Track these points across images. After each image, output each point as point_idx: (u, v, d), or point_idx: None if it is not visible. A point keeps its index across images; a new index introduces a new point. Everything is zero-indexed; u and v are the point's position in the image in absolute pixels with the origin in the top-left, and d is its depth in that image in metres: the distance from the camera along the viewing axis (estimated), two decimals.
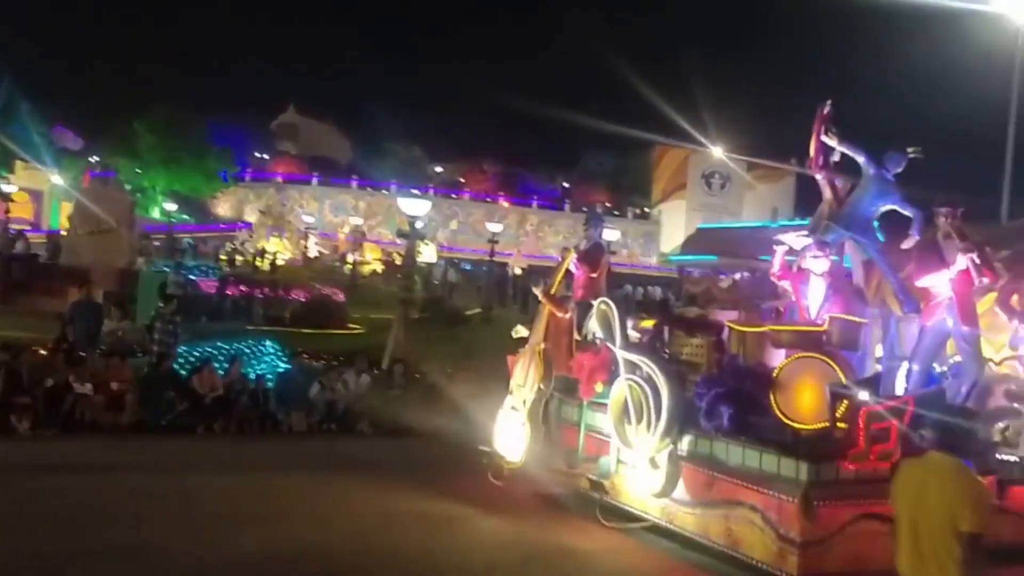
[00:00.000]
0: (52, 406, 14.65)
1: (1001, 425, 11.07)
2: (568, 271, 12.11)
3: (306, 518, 10.53)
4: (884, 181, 11.77)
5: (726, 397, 9.60)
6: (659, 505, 10.52)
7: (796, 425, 9.44)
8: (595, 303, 11.40)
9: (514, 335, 12.07)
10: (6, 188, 54.14)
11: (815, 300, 10.54)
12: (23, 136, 63.54)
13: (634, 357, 10.43)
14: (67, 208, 48.27)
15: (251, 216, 79.92)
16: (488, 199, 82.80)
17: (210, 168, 72.50)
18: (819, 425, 9.28)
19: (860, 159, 11.86)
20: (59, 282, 27.50)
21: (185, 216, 74.81)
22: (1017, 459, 10.69)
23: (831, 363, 9.46)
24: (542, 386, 11.55)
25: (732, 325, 10.73)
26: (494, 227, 65.27)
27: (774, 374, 9.57)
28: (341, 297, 33.95)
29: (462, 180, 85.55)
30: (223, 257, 57.73)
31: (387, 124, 79.83)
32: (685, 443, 10.23)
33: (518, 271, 59.12)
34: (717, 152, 68.62)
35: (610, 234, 39.75)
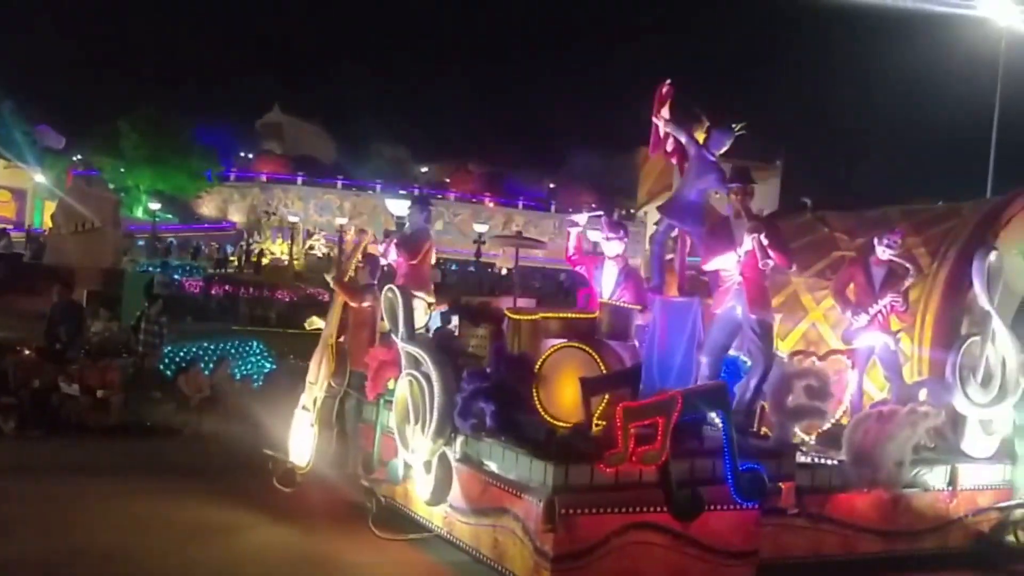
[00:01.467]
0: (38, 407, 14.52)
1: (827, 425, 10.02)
2: (371, 256, 10.91)
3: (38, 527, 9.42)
4: (705, 162, 10.73)
5: (487, 393, 8.49)
6: (440, 514, 9.43)
7: (557, 423, 8.35)
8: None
9: (308, 327, 10.94)
10: None
11: (608, 285, 9.50)
12: (5, 135, 62.90)
13: (413, 350, 9.33)
14: (50, 207, 47.48)
15: (236, 215, 79.14)
16: (474, 199, 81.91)
17: (194, 167, 71.80)
18: (574, 423, 8.17)
19: (682, 139, 10.82)
20: (43, 282, 26.74)
21: (169, 215, 74.08)
22: (832, 462, 9.59)
23: (592, 353, 8.37)
24: (333, 383, 10.43)
25: (508, 312, 9.61)
26: (480, 227, 64.22)
27: (536, 366, 8.46)
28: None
29: (447, 180, 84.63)
30: (232, 259, 57.23)
31: (372, 124, 78.98)
32: (458, 445, 9.11)
33: (504, 271, 58.16)
34: None
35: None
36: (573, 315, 9.03)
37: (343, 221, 74.47)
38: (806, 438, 10.13)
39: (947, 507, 10.39)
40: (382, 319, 10.34)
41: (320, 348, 10.51)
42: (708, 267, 9.51)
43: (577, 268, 9.89)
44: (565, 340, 8.63)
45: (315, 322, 10.65)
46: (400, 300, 9.42)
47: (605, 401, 8.12)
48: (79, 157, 71.00)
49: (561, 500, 7.81)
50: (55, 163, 68.68)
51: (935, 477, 10.28)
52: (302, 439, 10.49)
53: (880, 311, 10.39)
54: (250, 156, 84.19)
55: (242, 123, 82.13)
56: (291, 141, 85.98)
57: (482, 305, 10.17)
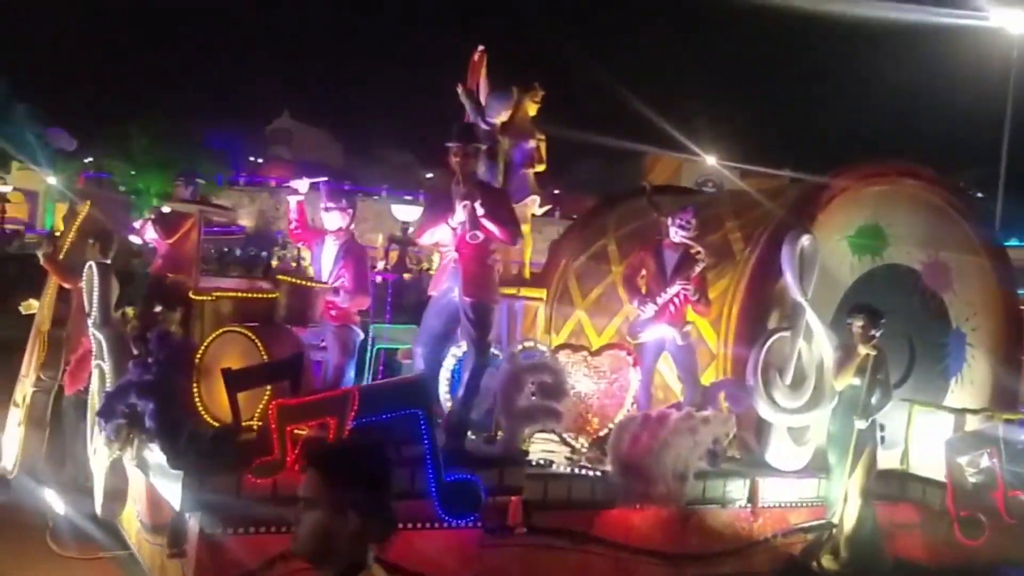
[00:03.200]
0: None
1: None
2: (103, 231, 9.25)
3: None
4: (487, 134, 9.22)
5: (147, 388, 6.92)
6: (134, 529, 7.88)
7: (216, 423, 6.78)
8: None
9: (23, 310, 9.36)
10: (2, 189, 52.74)
11: (327, 262, 7.93)
12: (18, 137, 62.17)
13: (98, 335, 7.79)
14: (61, 209, 46.62)
15: (245, 220, 78.16)
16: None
17: (205, 172, 70.77)
18: (222, 424, 6.60)
19: (467, 108, 9.31)
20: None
21: None
22: (595, 473, 7.95)
23: (255, 339, 6.80)
24: (43, 376, 8.87)
25: (192, 294, 8.00)
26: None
27: (197, 355, 6.90)
28: None
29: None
30: (274, 263, 56.23)
31: (379, 130, 77.69)
32: (135, 449, 7.52)
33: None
34: (710, 160, 65.07)
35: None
36: (251, 294, 7.44)
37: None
38: (576, 444, 8.46)
39: (749, 527, 8.73)
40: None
41: (32, 336, 8.95)
42: (421, 240, 7.94)
43: (299, 244, 8.30)
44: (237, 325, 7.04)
45: (32, 305, 9.05)
46: (97, 278, 7.85)
47: (265, 400, 6.52)
48: (91, 160, 70.23)
49: (202, 519, 6.23)
50: (67, 166, 67.83)
51: (732, 492, 8.55)
52: (9, 440, 8.93)
53: (672, 301, 8.70)
54: (259, 161, 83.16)
55: (251, 128, 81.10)
56: (300, 146, 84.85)
57: (175, 285, 8.54)
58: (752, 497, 8.71)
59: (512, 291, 9.50)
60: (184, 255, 9.65)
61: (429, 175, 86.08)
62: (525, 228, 9.99)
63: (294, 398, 6.42)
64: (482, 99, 9.92)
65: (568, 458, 8.38)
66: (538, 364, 7.62)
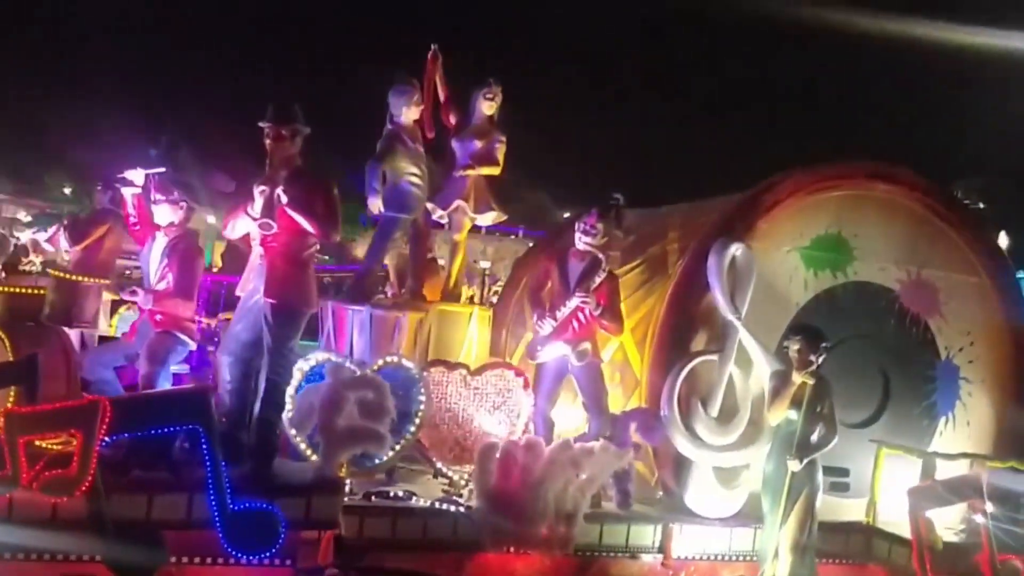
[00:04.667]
0: None
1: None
2: None
3: None
4: (392, 132, 8.19)
5: None
6: None
7: None
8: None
9: None
10: None
11: (154, 261, 6.93)
12: (181, 178, 64.79)
13: None
14: (220, 247, 48.14)
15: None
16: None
17: (348, 212, 71.77)
18: None
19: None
20: None
21: (326, 257, 74.46)
22: (459, 507, 6.63)
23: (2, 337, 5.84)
24: None
25: None
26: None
27: None
28: None
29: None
30: None
31: (513, 170, 77.20)
32: None
33: None
34: None
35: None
36: (18, 290, 6.47)
37: (486, 265, 72.90)
38: (453, 475, 7.15)
39: None
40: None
41: None
42: (225, 234, 6.84)
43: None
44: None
45: None
46: None
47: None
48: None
49: None
50: (226, 207, 70.25)
51: (638, 539, 7.07)
52: None
53: (575, 316, 7.32)
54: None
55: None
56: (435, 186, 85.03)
57: None
58: (663, 547, 7.13)
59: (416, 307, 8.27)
60: (97, 262, 8.87)
61: (566, 214, 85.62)
62: (459, 236, 8.80)
63: (28, 406, 5.37)
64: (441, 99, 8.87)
65: (445, 491, 7.08)
66: (360, 380, 6.35)
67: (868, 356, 8.06)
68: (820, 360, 7.07)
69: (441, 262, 9.87)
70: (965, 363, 8.43)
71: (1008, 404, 8.50)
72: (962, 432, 8.39)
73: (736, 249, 7.44)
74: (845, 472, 7.99)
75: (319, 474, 6.13)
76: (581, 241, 7.42)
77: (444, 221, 8.97)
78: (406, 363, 6.87)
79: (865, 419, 8.10)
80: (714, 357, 7.45)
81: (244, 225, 6.47)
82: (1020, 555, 7.52)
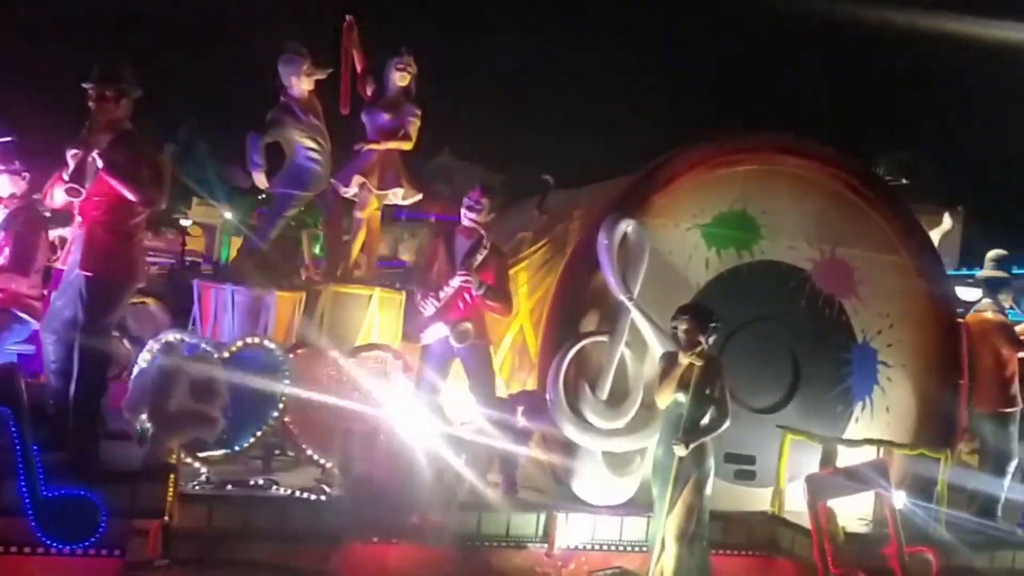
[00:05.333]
0: None
1: None
2: None
3: None
4: (283, 106, 7.85)
5: None
6: None
7: None
8: None
9: None
10: (184, 222, 55.02)
11: None
12: (198, 173, 64.74)
13: None
14: (236, 242, 47.99)
15: (404, 254, 78.50)
16: None
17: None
18: None
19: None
20: None
21: None
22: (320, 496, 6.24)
23: None
24: None
25: None
26: None
27: None
28: None
29: None
30: None
31: (536, 168, 76.71)
32: None
33: None
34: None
35: None
36: None
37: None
38: (324, 462, 6.74)
39: (553, 572, 6.73)
40: None
41: None
42: (49, 204, 6.45)
43: None
44: None
45: None
46: None
47: None
48: (263, 196, 72.29)
49: None
50: (242, 201, 70.09)
51: (520, 529, 6.64)
52: None
53: (461, 297, 6.91)
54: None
55: (412, 164, 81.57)
56: (459, 183, 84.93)
57: None
58: (547, 537, 6.68)
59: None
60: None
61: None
62: (362, 213, 8.38)
63: None
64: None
65: (317, 480, 6.67)
66: (193, 360, 5.93)
67: (777, 338, 7.58)
68: (710, 340, 6.60)
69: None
70: (884, 346, 7.92)
71: (931, 389, 7.97)
72: (881, 418, 7.89)
73: (627, 225, 6.99)
74: (752, 460, 7.53)
75: (146, 460, 5.72)
76: (466, 217, 7.00)
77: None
78: (269, 344, 6.48)
79: (773, 404, 7.62)
80: (604, 338, 7.00)
81: (62, 193, 6.04)
82: (932, 546, 7.01)
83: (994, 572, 7.38)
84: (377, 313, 7.73)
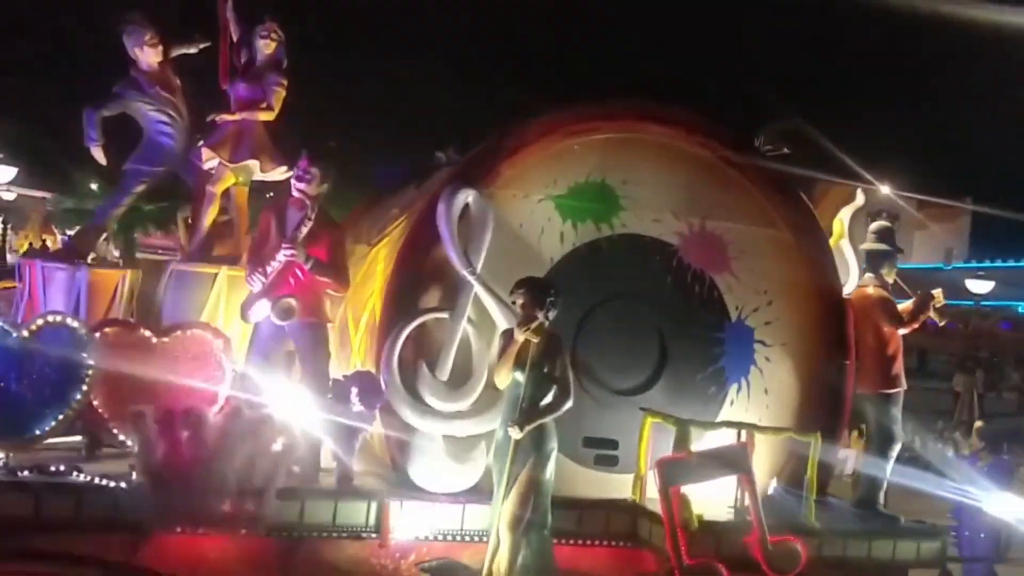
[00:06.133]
0: None
1: None
2: None
3: None
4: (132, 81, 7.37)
5: None
6: None
7: None
8: None
9: None
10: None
11: None
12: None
13: None
14: None
15: None
16: None
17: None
18: None
19: None
20: None
21: None
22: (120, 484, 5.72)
23: None
24: None
25: None
26: None
27: None
28: None
29: None
30: None
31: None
32: None
33: None
34: (884, 190, 58.20)
35: None
36: None
37: None
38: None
39: (386, 564, 6.21)
40: None
41: None
42: None
43: None
44: None
45: None
46: None
47: None
48: None
49: None
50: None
51: (349, 518, 6.10)
52: None
53: (293, 272, 6.40)
54: None
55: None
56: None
57: None
58: (379, 526, 6.14)
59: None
60: None
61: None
62: (215, 187, 7.77)
63: None
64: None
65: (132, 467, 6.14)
66: None
67: (641, 316, 7.03)
68: (550, 315, 6.06)
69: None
70: (761, 324, 7.34)
71: (816, 370, 7.38)
72: (759, 400, 7.31)
73: (468, 196, 6.47)
74: (614, 444, 6.96)
75: None
76: (295, 188, 6.48)
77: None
78: (72, 323, 5.97)
79: (638, 386, 7.04)
80: (445, 315, 6.47)
81: None
82: (801, 535, 6.43)
83: (871, 564, 6.77)
84: (225, 293, 7.18)
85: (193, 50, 7.94)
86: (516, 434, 5.98)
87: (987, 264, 39.60)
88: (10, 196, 28.02)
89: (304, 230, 6.34)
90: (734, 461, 6.42)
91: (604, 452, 6.93)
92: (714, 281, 7.21)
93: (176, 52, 7.84)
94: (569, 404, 6.08)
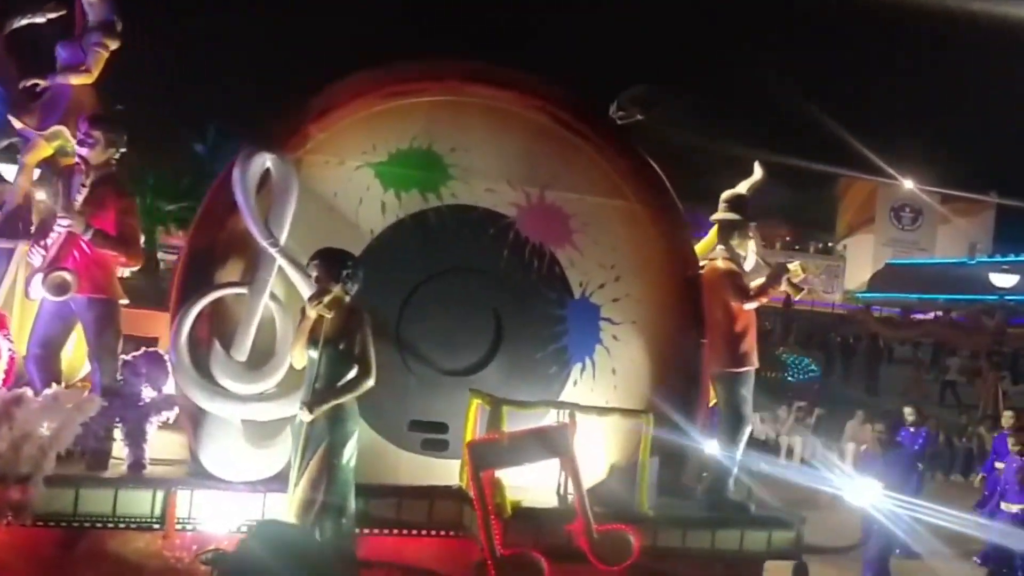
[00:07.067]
0: None
1: None
2: None
3: None
4: None
5: None
6: None
7: None
8: None
9: None
10: None
11: None
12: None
13: None
14: None
15: None
16: None
17: None
18: None
19: None
20: None
21: None
22: None
23: None
24: None
25: None
26: None
27: None
28: None
29: None
30: None
31: None
32: None
33: None
34: (908, 184, 56.88)
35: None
36: None
37: None
38: None
39: (187, 557, 5.59)
40: None
41: None
42: None
43: None
44: None
45: None
46: None
47: None
48: None
49: None
50: None
51: (132, 508, 5.49)
52: None
53: (78, 244, 5.79)
54: None
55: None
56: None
57: None
58: (163, 516, 5.52)
59: None
60: None
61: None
62: (27, 158, 7.02)
63: None
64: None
65: None
66: None
67: (474, 293, 6.42)
68: (348, 289, 5.47)
69: None
70: (608, 302, 6.72)
71: (668, 348, 6.75)
72: (605, 380, 6.69)
73: (267, 161, 5.85)
74: (443, 428, 6.34)
75: None
76: (78, 155, 5.86)
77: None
78: None
79: (470, 366, 6.43)
80: (243, 290, 5.85)
81: None
82: (632, 524, 5.81)
83: (717, 555, 6.14)
84: (23, 269, 6.51)
85: (41, 19, 7.29)
86: (306, 416, 5.40)
87: (1012, 258, 38.88)
88: None
89: (80, 198, 5.73)
90: (553, 443, 5.79)
91: (432, 436, 6.31)
92: (555, 255, 6.60)
93: (15, 25, 7.19)
94: (369, 384, 5.48)
